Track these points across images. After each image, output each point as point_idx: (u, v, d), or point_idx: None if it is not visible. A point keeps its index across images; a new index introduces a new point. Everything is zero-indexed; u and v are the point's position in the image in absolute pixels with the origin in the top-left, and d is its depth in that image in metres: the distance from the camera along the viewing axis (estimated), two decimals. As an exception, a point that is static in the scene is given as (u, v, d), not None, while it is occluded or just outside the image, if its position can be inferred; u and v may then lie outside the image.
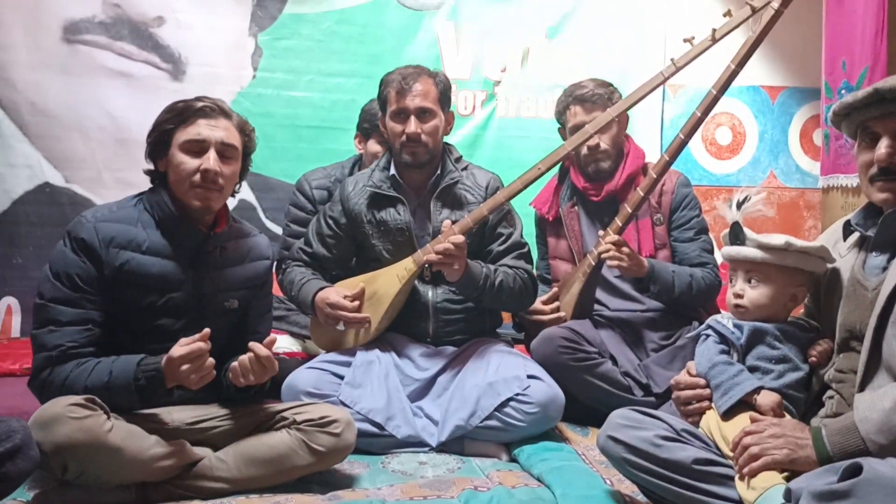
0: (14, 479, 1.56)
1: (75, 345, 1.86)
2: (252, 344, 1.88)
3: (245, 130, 2.05)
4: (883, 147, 1.60)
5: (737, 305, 1.77)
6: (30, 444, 1.58)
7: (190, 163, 1.94)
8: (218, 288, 2.04)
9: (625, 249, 2.49)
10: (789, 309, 1.79)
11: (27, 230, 3.47)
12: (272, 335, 1.94)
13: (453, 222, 2.46)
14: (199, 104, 1.97)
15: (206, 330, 1.81)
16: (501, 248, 2.53)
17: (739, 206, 1.81)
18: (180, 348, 1.79)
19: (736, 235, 1.78)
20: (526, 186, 2.47)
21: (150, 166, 2.03)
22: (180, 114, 1.97)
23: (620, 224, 2.54)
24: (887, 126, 1.60)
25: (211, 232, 2.02)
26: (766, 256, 1.72)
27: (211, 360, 1.81)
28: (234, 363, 1.91)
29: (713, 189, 4.01)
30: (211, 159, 1.94)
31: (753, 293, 1.75)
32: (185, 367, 1.78)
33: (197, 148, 1.95)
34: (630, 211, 2.54)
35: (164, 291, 1.95)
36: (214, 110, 1.98)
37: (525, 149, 3.79)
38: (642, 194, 2.53)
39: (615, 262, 2.49)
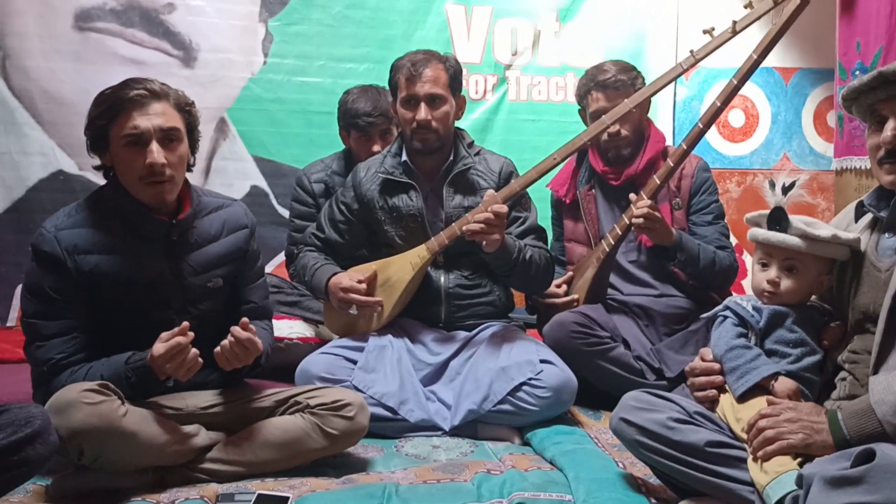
0: (34, 463, 1.58)
1: (64, 355, 1.86)
2: (233, 328, 1.86)
3: (183, 107, 1.94)
4: (889, 129, 1.59)
5: (769, 292, 1.73)
6: (49, 429, 1.60)
7: (133, 159, 1.85)
8: (197, 271, 1.99)
9: (656, 215, 2.46)
10: (812, 294, 1.78)
11: (42, 217, 3.41)
12: (244, 318, 1.89)
13: (466, 209, 2.46)
14: (129, 93, 1.85)
15: (185, 324, 1.79)
16: (519, 230, 2.52)
17: (786, 191, 1.73)
18: (160, 345, 1.78)
19: (778, 220, 1.71)
20: (541, 176, 2.46)
21: (97, 161, 1.96)
22: (111, 107, 1.86)
23: (628, 222, 2.53)
24: (893, 108, 1.60)
25: (174, 219, 1.95)
26: (808, 246, 1.68)
27: (194, 352, 1.80)
28: (217, 349, 1.89)
29: (726, 172, 3.99)
30: (154, 152, 1.84)
31: (789, 282, 1.72)
32: (168, 365, 1.78)
33: (137, 141, 1.85)
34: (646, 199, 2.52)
35: (143, 286, 1.92)
36: (145, 96, 1.86)
37: (536, 133, 3.78)
38: (658, 182, 2.52)
39: (644, 230, 2.47)
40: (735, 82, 2.40)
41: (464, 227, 2.34)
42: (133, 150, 1.86)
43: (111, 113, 1.87)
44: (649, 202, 2.47)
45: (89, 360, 1.88)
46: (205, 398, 1.99)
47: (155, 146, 1.85)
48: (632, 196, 2.52)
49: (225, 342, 1.87)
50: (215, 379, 2.03)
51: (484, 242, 2.32)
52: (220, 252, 2.04)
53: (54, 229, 1.89)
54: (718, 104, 2.45)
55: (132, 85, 1.88)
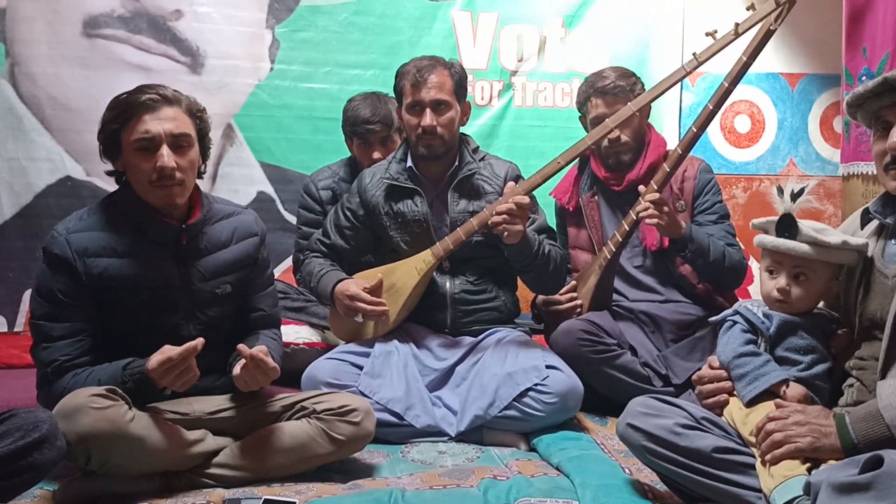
0: (41, 468, 1.59)
1: (69, 357, 1.87)
2: (254, 353, 1.85)
3: (195, 112, 1.96)
4: (895, 136, 1.59)
5: (780, 300, 1.72)
6: (56, 434, 1.61)
7: (143, 163, 1.88)
8: (205, 276, 2.01)
9: (665, 208, 2.44)
10: (821, 300, 1.77)
11: (49, 223, 3.47)
12: (261, 346, 1.91)
13: (471, 213, 2.46)
14: (141, 97, 1.88)
15: (199, 341, 1.78)
16: (530, 229, 2.50)
17: (794, 197, 1.71)
18: (154, 358, 1.79)
19: (787, 227, 1.69)
20: (545, 180, 2.45)
21: (109, 166, 1.98)
22: (123, 112, 1.89)
23: (635, 218, 2.52)
24: None
25: (184, 223, 1.97)
26: (818, 253, 1.66)
27: (192, 367, 1.80)
28: (236, 370, 1.91)
29: (732, 177, 3.98)
30: (164, 155, 1.86)
31: (800, 290, 1.71)
32: (163, 379, 1.79)
33: (148, 145, 1.87)
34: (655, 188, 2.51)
35: (151, 290, 1.93)
36: (157, 101, 1.88)
37: (542, 139, 3.78)
38: (656, 188, 2.51)
39: (654, 221, 2.44)
40: (726, 85, 2.40)
41: (491, 218, 2.31)
42: (144, 154, 1.88)
43: (124, 117, 1.89)
44: (657, 193, 2.46)
45: (94, 363, 1.89)
46: (211, 403, 2.00)
47: (165, 150, 1.87)
48: (641, 188, 2.50)
49: (245, 367, 1.88)
50: (222, 384, 2.04)
51: (505, 234, 2.31)
52: (229, 259, 2.05)
53: (65, 232, 1.91)
54: (711, 107, 2.44)
55: (145, 90, 1.90)
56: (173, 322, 1.96)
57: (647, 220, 2.46)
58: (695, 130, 2.47)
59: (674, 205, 2.65)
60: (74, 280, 1.88)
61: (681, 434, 1.64)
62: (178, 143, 1.90)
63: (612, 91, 2.65)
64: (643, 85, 2.72)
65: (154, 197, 1.92)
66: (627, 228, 2.54)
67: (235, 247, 2.07)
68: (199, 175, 2.02)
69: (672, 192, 2.67)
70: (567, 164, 2.51)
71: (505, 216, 2.28)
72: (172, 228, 1.96)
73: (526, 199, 2.30)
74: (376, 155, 2.88)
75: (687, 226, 2.51)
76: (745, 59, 2.35)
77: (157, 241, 1.95)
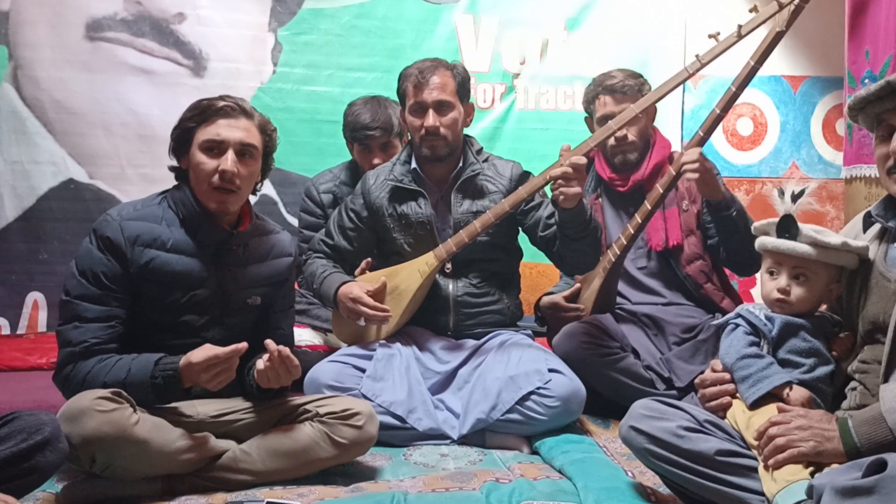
0: (44, 470, 1.59)
1: (99, 341, 1.89)
2: (281, 348, 1.89)
3: (266, 130, 2.05)
4: None
5: (780, 300, 1.72)
6: (59, 437, 1.62)
7: (208, 163, 1.95)
8: (241, 285, 2.06)
9: (707, 165, 2.41)
10: (822, 303, 1.77)
11: (52, 226, 3.51)
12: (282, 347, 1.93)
13: (474, 213, 2.46)
14: (221, 104, 1.98)
15: (244, 344, 1.82)
16: (547, 212, 2.50)
17: (795, 198, 1.73)
18: (201, 352, 1.81)
19: (787, 228, 1.70)
20: (548, 182, 2.46)
21: (175, 163, 2.05)
22: (202, 113, 1.98)
23: (640, 221, 2.52)
24: None
25: (234, 230, 2.03)
26: (819, 254, 1.67)
27: (232, 366, 1.83)
28: (260, 365, 1.92)
29: (734, 180, 3.98)
30: (229, 160, 1.94)
31: (800, 290, 1.71)
32: (203, 374, 1.81)
33: (216, 148, 1.96)
34: (650, 207, 2.51)
35: (188, 288, 1.97)
36: (235, 110, 1.98)
37: (544, 141, 3.78)
38: (661, 191, 2.50)
39: (696, 175, 2.39)
40: (734, 89, 2.40)
41: (551, 173, 2.28)
42: (210, 154, 1.96)
43: (201, 117, 1.97)
44: (699, 149, 2.43)
45: (119, 352, 1.90)
46: (215, 407, 2.00)
47: (231, 155, 1.95)
48: (684, 143, 2.48)
49: (267, 362, 1.90)
50: (227, 389, 2.04)
51: (562, 197, 2.27)
52: (264, 273, 2.11)
53: (119, 218, 1.95)
54: (718, 111, 2.44)
55: (226, 98, 2.01)
56: (199, 324, 1.99)
57: (689, 176, 2.42)
58: (701, 134, 2.47)
59: (680, 204, 2.65)
60: (121, 265, 1.91)
61: (684, 437, 1.63)
62: (244, 151, 1.98)
63: (621, 89, 2.65)
64: (650, 86, 2.72)
65: (210, 200, 1.97)
66: (632, 231, 2.54)
67: (271, 262, 2.13)
68: (255, 191, 2.09)
69: (677, 192, 2.66)
70: None
71: (561, 180, 2.25)
72: (223, 233, 2.01)
73: (583, 160, 2.26)
74: (376, 160, 2.88)
75: (724, 188, 2.49)
76: (752, 63, 2.35)
77: (204, 242, 2.00)
